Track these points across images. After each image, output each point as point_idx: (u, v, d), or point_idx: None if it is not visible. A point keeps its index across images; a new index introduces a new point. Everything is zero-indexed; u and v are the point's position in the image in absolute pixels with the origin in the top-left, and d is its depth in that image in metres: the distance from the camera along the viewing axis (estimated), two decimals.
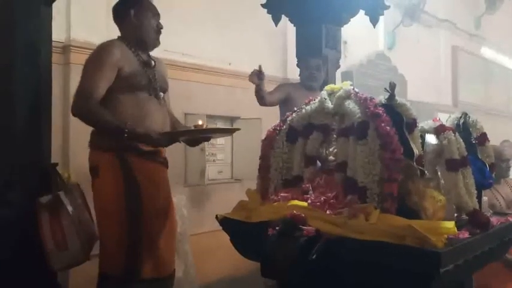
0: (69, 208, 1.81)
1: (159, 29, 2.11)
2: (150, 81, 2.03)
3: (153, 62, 2.09)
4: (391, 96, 1.49)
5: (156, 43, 2.13)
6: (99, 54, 1.95)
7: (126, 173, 1.93)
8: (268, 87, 4.43)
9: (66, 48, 3.09)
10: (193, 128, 2.02)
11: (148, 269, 1.95)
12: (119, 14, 2.09)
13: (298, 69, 3.30)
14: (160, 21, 2.14)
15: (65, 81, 3.05)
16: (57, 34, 3.06)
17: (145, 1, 2.12)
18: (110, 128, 1.90)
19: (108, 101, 1.93)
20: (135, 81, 1.98)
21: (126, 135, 1.86)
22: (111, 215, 1.92)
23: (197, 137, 2.09)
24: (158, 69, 2.13)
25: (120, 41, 2.04)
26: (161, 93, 2.10)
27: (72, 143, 3.00)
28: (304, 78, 3.17)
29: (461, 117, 1.78)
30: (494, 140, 1.96)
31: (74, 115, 1.93)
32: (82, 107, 1.89)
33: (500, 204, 2.85)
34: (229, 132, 2.07)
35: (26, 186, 1.84)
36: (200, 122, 1.98)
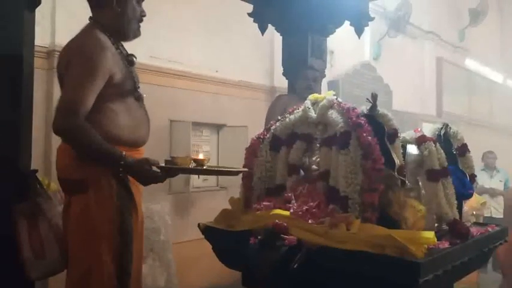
0: (48, 215, 1.77)
1: (142, 17, 1.83)
2: (134, 83, 1.78)
3: (134, 59, 1.82)
4: (373, 107, 1.51)
5: (137, 33, 1.84)
6: (91, 58, 1.63)
7: (121, 186, 1.68)
8: (256, 95, 4.49)
9: (50, 54, 3.07)
10: (193, 161, 1.73)
11: None
12: (99, 1, 1.76)
13: (285, 78, 3.31)
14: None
15: (49, 86, 3.05)
16: (42, 39, 3.03)
17: None
18: (100, 154, 1.63)
19: (98, 111, 1.66)
20: (125, 87, 1.74)
21: (121, 168, 1.62)
22: (104, 238, 1.64)
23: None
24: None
25: (104, 34, 1.72)
26: (141, 93, 1.84)
27: (54, 150, 2.95)
28: (301, 89, 3.08)
29: (442, 128, 1.81)
30: (476, 150, 1.98)
31: (55, 132, 1.63)
32: (66, 124, 1.59)
33: None
34: (233, 174, 1.76)
35: (3, 193, 1.80)
36: (201, 156, 1.74)
